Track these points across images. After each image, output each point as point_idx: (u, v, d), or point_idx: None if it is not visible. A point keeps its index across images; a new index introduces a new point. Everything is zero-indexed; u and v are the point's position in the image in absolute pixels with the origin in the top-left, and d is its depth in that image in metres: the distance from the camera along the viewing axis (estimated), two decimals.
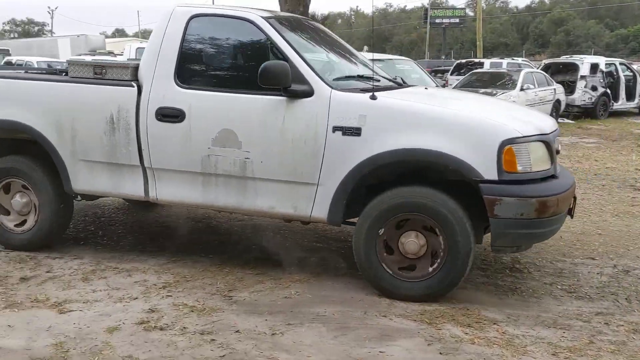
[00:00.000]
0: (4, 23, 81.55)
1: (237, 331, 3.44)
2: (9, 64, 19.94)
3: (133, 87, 4.34)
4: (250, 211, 4.38)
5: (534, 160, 3.77)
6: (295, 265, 4.56)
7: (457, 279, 3.84)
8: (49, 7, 64.52)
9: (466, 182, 3.78)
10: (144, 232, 5.34)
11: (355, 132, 3.89)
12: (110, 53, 20.97)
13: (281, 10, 16.29)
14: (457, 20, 54.21)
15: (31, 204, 4.71)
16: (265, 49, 4.19)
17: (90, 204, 6.07)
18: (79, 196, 4.78)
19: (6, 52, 27.45)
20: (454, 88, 14.05)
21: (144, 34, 70.92)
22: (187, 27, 4.32)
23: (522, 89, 14.23)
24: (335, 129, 3.92)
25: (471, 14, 59.47)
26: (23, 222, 4.76)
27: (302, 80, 4.01)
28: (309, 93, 4.00)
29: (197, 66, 4.41)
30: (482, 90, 13.57)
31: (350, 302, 3.90)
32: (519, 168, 3.69)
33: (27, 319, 3.56)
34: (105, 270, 4.39)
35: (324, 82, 4.03)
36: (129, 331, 3.42)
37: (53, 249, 4.78)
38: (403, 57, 11.21)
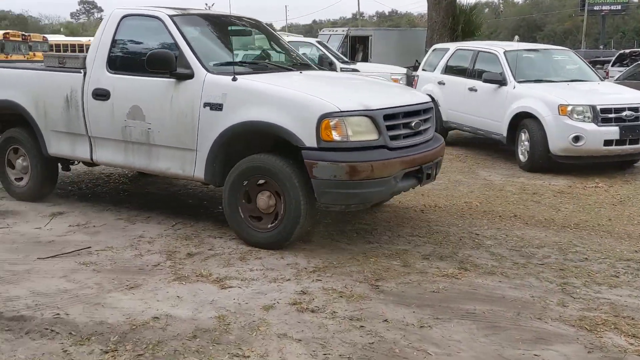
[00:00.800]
0: None
1: (385, 320, 3.49)
2: None
3: (80, 73, 5.43)
4: (155, 171, 5.39)
5: (354, 131, 4.38)
6: (440, 260, 4.51)
7: (292, 231, 4.53)
8: (206, 4, 69.12)
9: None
10: None
11: (218, 107, 4.70)
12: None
13: None
14: (619, 7, 49.77)
15: (27, 165, 5.97)
16: (168, 40, 5.09)
17: None
18: (75, 162, 6.08)
19: None
20: (616, 80, 12.94)
21: (290, 28, 73.43)
22: (119, 25, 5.38)
23: None
24: (205, 104, 4.75)
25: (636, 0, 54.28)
26: (21, 179, 6.04)
27: (187, 65, 4.87)
28: (191, 76, 4.84)
29: (121, 55, 5.38)
30: None
31: (501, 302, 3.78)
32: (336, 138, 4.32)
33: (193, 291, 3.87)
34: (260, 251, 4.64)
35: (203, 66, 4.84)
36: (283, 310, 3.60)
37: (214, 229, 5.16)
38: (561, 47, 10.53)
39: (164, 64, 4.80)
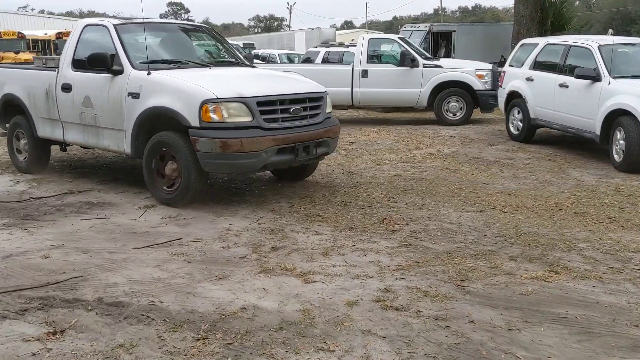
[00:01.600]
0: (249, 19, 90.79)
1: (471, 321, 3.42)
2: (255, 57, 22.16)
3: (54, 71, 6.81)
4: (102, 148, 6.72)
5: (229, 114, 5.49)
6: (529, 262, 4.37)
7: (187, 193, 5.69)
8: (288, 3, 70.11)
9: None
10: (374, 215, 5.56)
11: (137, 96, 5.88)
12: (340, 44, 21.99)
13: None
14: None
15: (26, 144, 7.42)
16: (110, 44, 6.29)
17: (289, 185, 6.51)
18: (70, 144, 7.38)
19: (251, 46, 30.57)
20: None
21: (370, 25, 73.06)
22: (82, 33, 6.76)
23: None
24: (129, 94, 5.95)
25: None
26: (24, 156, 7.52)
27: (119, 63, 6.10)
28: (121, 71, 6.08)
29: (80, 56, 6.54)
30: None
31: (595, 307, 3.62)
32: (214, 119, 5.44)
33: (278, 284, 3.96)
34: (342, 247, 4.68)
35: (130, 64, 6.06)
36: (367, 307, 3.60)
37: (297, 225, 5.25)
38: None
39: (100, 62, 6.09)
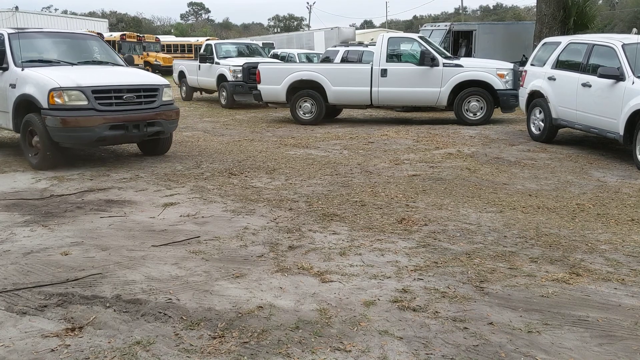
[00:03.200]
0: (268, 19, 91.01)
1: (490, 323, 3.38)
2: (274, 57, 22.20)
3: None
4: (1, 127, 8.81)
5: (70, 99, 7.36)
6: (550, 264, 4.31)
7: (44, 159, 7.65)
8: (307, 3, 70.18)
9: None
10: (392, 215, 5.53)
11: (14, 86, 7.84)
12: (360, 43, 21.93)
13: None
14: None
15: None
16: (3, 48, 8.26)
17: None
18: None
19: (271, 46, 30.63)
20: None
21: (390, 25, 72.81)
22: None
23: None
24: (10, 85, 7.93)
25: None
26: None
27: (7, 62, 8.09)
28: (7, 68, 8.06)
29: None
30: None
31: (617, 310, 3.55)
32: (58, 102, 7.32)
33: (295, 283, 3.95)
34: (360, 247, 4.66)
35: (14, 63, 8.03)
36: (384, 307, 3.58)
37: (314, 224, 5.23)
38: None
39: None
